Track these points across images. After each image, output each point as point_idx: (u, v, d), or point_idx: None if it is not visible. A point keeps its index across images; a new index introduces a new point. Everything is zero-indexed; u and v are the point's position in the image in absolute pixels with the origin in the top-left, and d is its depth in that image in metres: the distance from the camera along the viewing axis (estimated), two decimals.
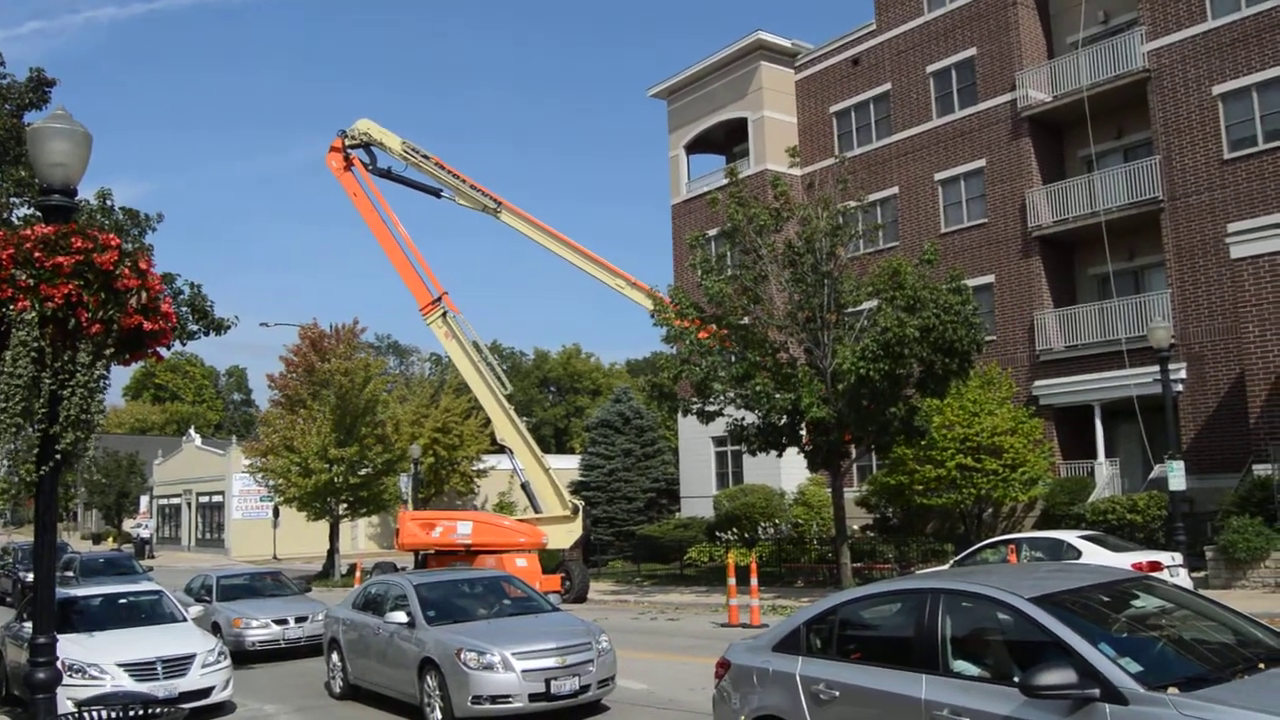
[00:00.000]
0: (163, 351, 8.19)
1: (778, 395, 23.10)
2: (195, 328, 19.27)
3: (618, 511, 40.53)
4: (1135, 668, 5.36)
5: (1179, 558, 18.46)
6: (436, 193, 32.77)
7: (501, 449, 31.92)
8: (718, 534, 32.99)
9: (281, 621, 18.39)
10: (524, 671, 11.14)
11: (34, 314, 7.07)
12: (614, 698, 12.43)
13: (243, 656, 17.27)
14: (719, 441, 37.05)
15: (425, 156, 32.08)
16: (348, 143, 32.61)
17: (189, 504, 64.69)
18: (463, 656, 11.24)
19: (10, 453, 7.24)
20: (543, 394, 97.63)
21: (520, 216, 31.50)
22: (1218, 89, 26.86)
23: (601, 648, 11.89)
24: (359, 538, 57.62)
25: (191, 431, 71.63)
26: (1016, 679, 5.61)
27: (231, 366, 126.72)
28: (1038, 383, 29.90)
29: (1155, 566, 16.85)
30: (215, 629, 17.84)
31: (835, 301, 23.76)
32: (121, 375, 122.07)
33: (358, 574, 30.66)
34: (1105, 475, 27.95)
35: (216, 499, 60.60)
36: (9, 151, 17.65)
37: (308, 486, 36.39)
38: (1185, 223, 27.38)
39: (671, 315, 24.72)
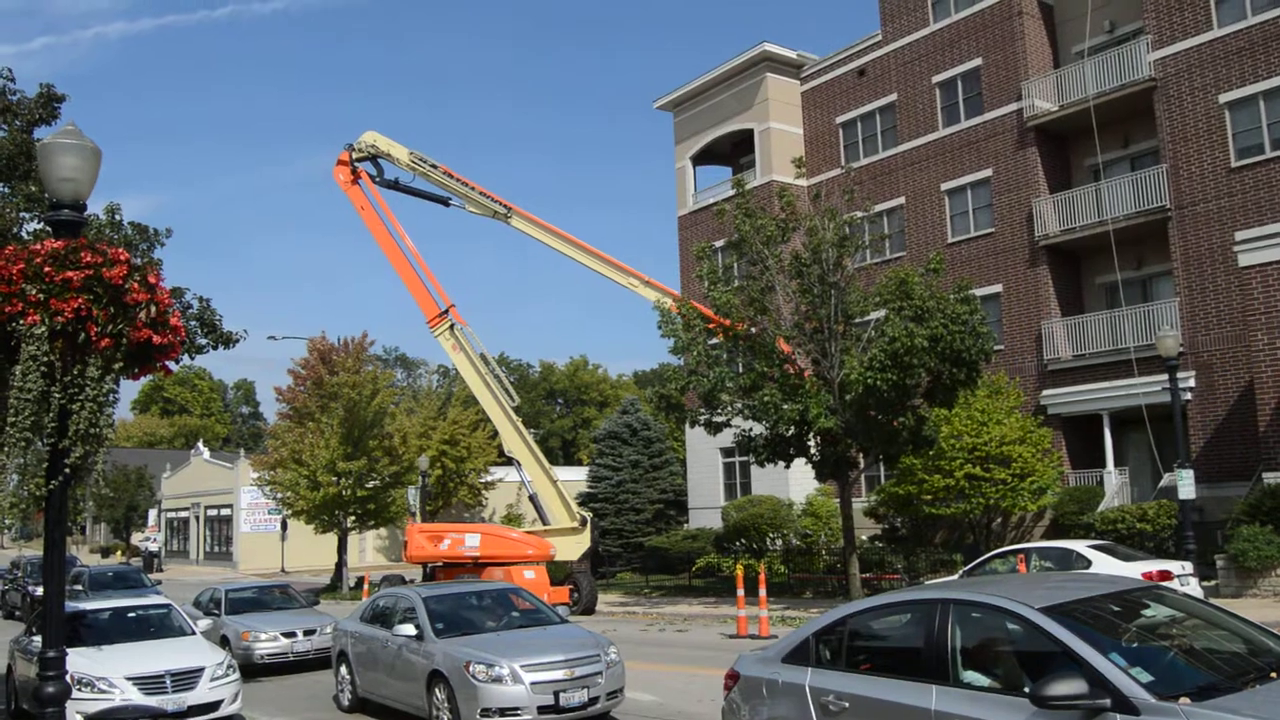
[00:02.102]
0: (171, 365, 8.19)
1: (785, 406, 23.07)
2: (204, 341, 19.30)
3: (625, 523, 40.47)
4: (1146, 677, 5.34)
5: (1189, 567, 18.37)
6: (445, 201, 32.82)
7: (509, 461, 31.89)
8: (726, 545, 32.92)
9: (290, 634, 18.40)
10: (533, 684, 11.11)
11: (44, 328, 7.09)
12: (623, 710, 12.40)
13: (251, 670, 17.28)
14: (727, 452, 37.04)
15: (433, 166, 32.13)
16: (355, 156, 32.64)
17: (197, 517, 64.78)
18: (471, 669, 11.23)
19: (20, 467, 7.26)
20: (550, 406, 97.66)
21: (531, 221, 31.53)
22: (1224, 97, 26.85)
23: (610, 659, 11.86)
24: (367, 550, 57.62)
25: (200, 445, 71.81)
26: (1027, 689, 5.59)
27: (240, 380, 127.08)
28: (1046, 392, 29.83)
29: (1165, 576, 16.79)
30: (224, 642, 17.86)
31: (842, 312, 23.76)
32: (130, 389, 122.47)
33: (366, 587, 30.64)
34: (1114, 484, 27.85)
35: (225, 512, 60.69)
36: (19, 167, 17.73)
37: (316, 499, 36.43)
38: (1193, 231, 27.34)
39: (679, 326, 24.74)
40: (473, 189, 31.88)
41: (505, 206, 31.48)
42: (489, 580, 21.54)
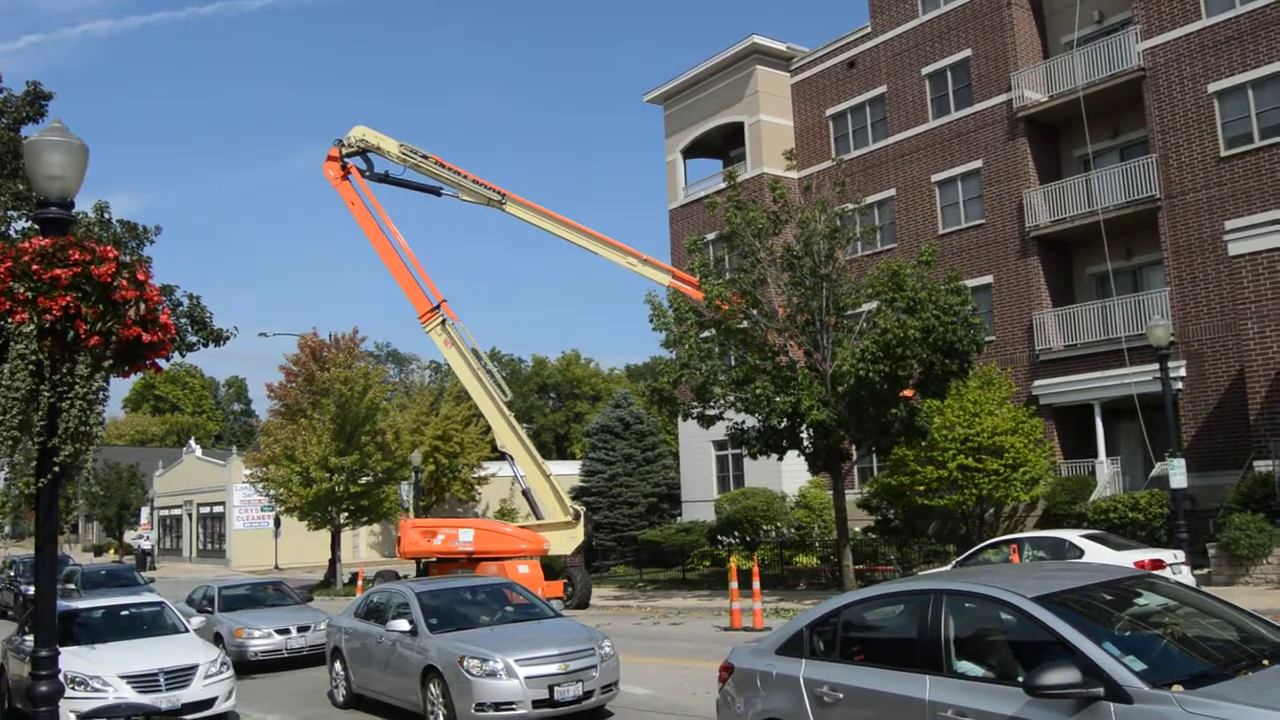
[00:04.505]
0: (162, 363, 8.16)
1: (778, 398, 23.09)
2: (194, 339, 19.27)
3: (619, 517, 40.49)
4: (1139, 666, 5.35)
5: (1181, 555, 18.45)
6: (437, 191, 32.67)
7: (502, 456, 31.87)
8: (719, 538, 32.95)
9: (284, 631, 18.39)
10: (527, 678, 11.11)
11: (32, 327, 7.05)
12: (617, 703, 12.42)
13: (245, 667, 17.26)
14: (719, 445, 37.04)
15: (424, 157, 31.94)
16: (344, 151, 32.44)
17: (190, 515, 64.64)
18: (466, 664, 11.23)
19: (9, 465, 7.23)
20: (542, 400, 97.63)
21: (525, 206, 31.38)
22: (1213, 87, 26.88)
23: (604, 653, 11.87)
24: (360, 546, 57.56)
25: (192, 442, 71.61)
26: (1020, 679, 5.61)
27: (231, 377, 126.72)
28: (1037, 382, 29.90)
29: (1158, 564, 16.84)
30: (217, 639, 17.84)
31: (834, 304, 23.77)
32: (121, 387, 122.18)
33: (359, 583, 30.62)
34: (1106, 474, 27.93)
35: (217, 509, 60.57)
36: (6, 165, 17.67)
37: (309, 496, 36.37)
38: (1183, 220, 27.40)
39: (670, 319, 24.74)
40: (465, 177, 31.74)
41: (499, 193, 31.34)
42: (483, 575, 21.55)
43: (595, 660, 11.67)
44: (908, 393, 22.82)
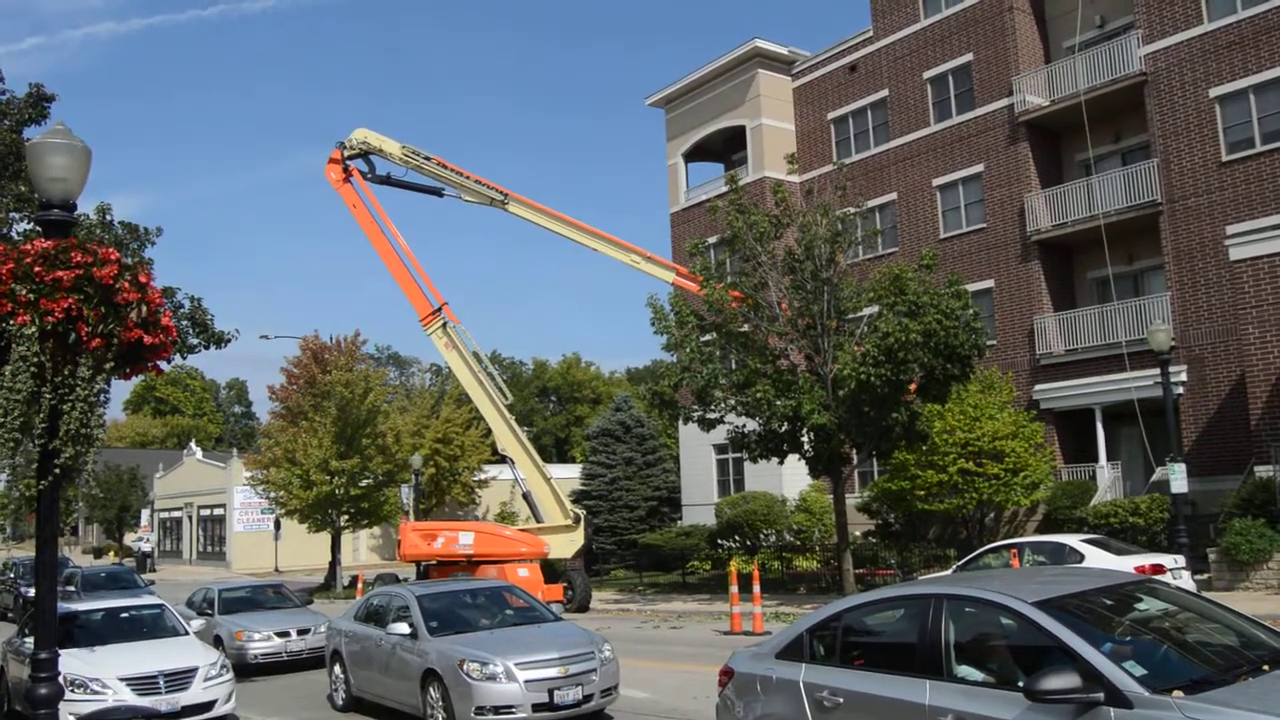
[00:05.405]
0: (163, 365, 8.17)
1: (778, 402, 23.08)
2: (195, 341, 19.26)
3: (619, 520, 40.46)
4: (1139, 671, 5.35)
5: (1181, 560, 18.44)
6: (439, 192, 32.61)
7: (503, 459, 31.84)
8: (720, 542, 32.93)
9: (284, 634, 18.38)
10: (527, 682, 11.11)
11: (34, 329, 7.06)
12: (617, 707, 12.40)
13: (245, 669, 17.26)
14: (720, 449, 37.05)
15: (426, 158, 31.89)
16: (346, 153, 32.38)
17: (190, 517, 64.63)
18: (465, 667, 11.22)
19: (10, 467, 7.25)
20: (543, 404, 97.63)
21: (528, 205, 31.31)
22: (1215, 91, 26.89)
23: (604, 657, 11.86)
24: (361, 549, 57.55)
25: (192, 444, 71.61)
26: (1020, 684, 5.60)
27: (232, 379, 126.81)
28: (1038, 387, 29.88)
29: (1158, 569, 16.84)
30: (217, 642, 17.82)
31: (835, 308, 23.78)
32: (122, 389, 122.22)
33: (359, 586, 30.61)
34: (1107, 478, 27.91)
35: (218, 512, 60.56)
36: (8, 167, 17.68)
37: (309, 498, 36.36)
38: (1184, 225, 27.40)
39: (672, 323, 24.74)
40: (467, 178, 31.68)
41: (501, 193, 31.27)
42: (483, 578, 21.51)
43: (595, 664, 11.66)
44: (912, 388, 22.82)
